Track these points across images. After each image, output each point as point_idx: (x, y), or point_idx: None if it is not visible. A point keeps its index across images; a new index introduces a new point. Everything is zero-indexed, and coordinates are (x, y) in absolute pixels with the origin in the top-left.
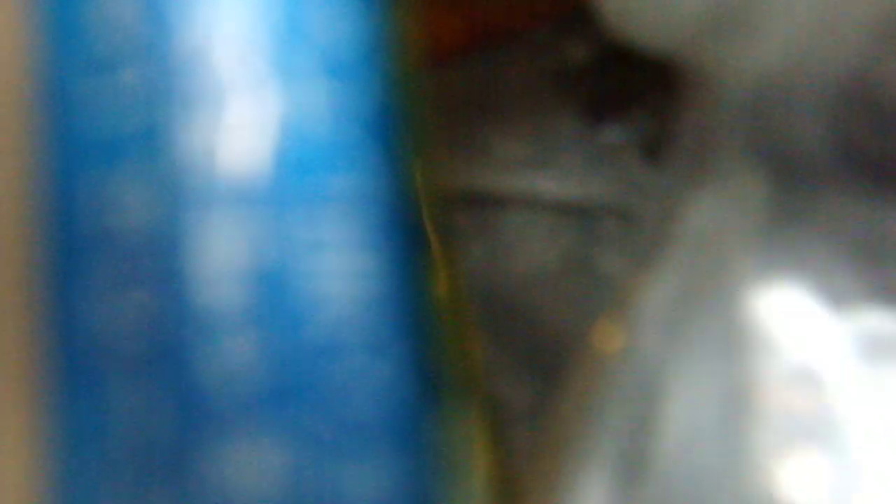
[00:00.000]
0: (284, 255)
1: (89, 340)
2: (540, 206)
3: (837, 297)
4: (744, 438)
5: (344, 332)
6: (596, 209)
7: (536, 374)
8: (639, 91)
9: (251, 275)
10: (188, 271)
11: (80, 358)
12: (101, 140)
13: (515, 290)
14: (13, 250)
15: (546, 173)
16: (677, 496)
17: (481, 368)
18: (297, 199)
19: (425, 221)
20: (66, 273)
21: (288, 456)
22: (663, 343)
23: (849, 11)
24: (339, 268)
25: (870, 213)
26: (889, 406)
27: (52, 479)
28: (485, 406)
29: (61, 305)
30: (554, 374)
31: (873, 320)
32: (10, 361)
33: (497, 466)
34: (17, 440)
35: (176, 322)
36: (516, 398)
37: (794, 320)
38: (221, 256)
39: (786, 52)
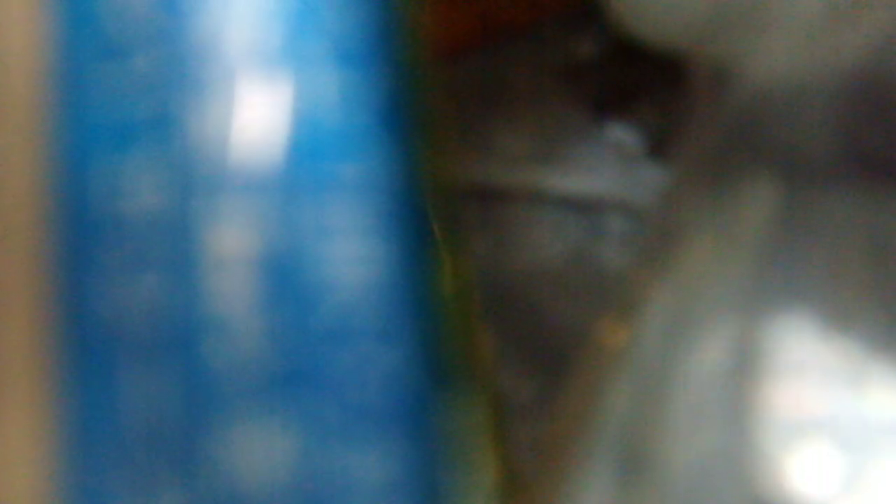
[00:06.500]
0: (294, 241)
1: (100, 324)
2: (545, 200)
3: (843, 302)
4: (749, 432)
5: (352, 317)
6: (601, 205)
7: (540, 369)
8: (645, 87)
9: (261, 260)
10: (198, 256)
11: (91, 341)
12: (114, 125)
13: (519, 285)
14: (26, 234)
15: (551, 168)
16: (681, 490)
17: (488, 360)
18: (307, 186)
19: (431, 213)
20: (78, 257)
21: (296, 440)
22: (667, 339)
23: (856, 10)
24: (348, 254)
25: (877, 215)
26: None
27: (63, 463)
28: (491, 398)
29: (72, 289)
30: (557, 369)
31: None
32: (22, 345)
33: (501, 458)
34: (28, 423)
35: (186, 306)
36: (520, 392)
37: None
38: (231, 242)
39: (793, 51)
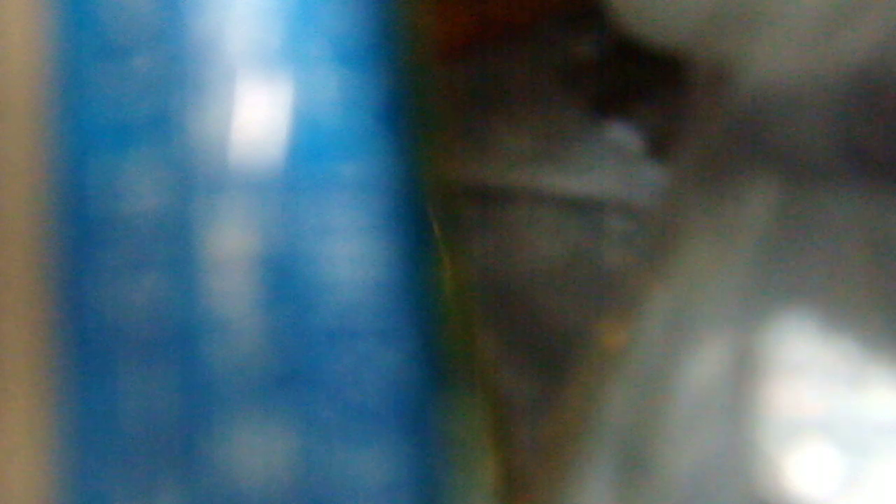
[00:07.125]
0: (293, 241)
1: (99, 324)
2: (545, 201)
3: (843, 302)
4: (749, 432)
5: (352, 317)
6: (601, 205)
7: (540, 369)
8: (646, 87)
9: (260, 260)
10: (198, 256)
11: (90, 342)
12: (113, 125)
13: (520, 285)
14: (26, 234)
15: (552, 168)
16: (680, 490)
17: (488, 360)
18: (307, 186)
19: (431, 213)
20: (77, 257)
21: (295, 440)
22: (667, 339)
23: (857, 10)
24: (348, 254)
25: (877, 215)
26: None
27: (62, 463)
28: (491, 398)
29: (72, 289)
30: (558, 369)
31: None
32: (22, 345)
33: (501, 459)
34: (28, 423)
35: (185, 306)
36: (520, 393)
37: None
38: (231, 241)
39: (793, 51)
